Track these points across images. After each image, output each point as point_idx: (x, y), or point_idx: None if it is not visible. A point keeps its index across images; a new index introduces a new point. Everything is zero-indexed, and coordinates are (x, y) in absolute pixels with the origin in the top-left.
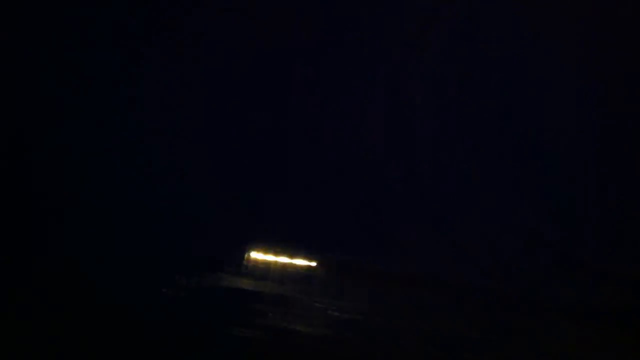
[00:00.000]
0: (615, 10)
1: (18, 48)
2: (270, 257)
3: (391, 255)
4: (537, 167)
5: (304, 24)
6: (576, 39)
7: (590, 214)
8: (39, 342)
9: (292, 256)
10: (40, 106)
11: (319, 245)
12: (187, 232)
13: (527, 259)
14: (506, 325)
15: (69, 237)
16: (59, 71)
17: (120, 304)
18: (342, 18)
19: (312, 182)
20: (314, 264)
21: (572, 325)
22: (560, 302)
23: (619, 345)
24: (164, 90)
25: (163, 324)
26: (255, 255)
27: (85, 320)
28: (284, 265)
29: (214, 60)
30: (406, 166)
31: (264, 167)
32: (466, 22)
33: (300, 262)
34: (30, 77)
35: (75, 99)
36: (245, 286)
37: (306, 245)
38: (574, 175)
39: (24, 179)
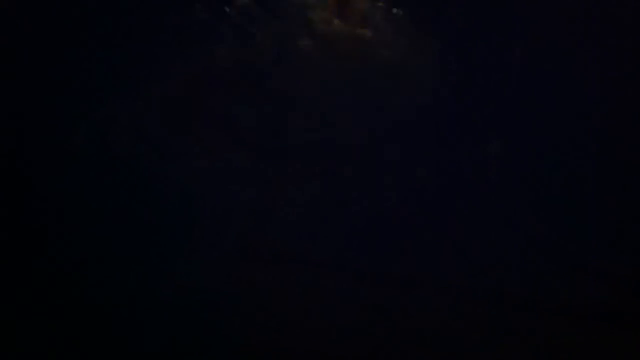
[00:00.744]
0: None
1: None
2: None
3: None
4: (537, 166)
5: None
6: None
7: (590, 213)
8: (38, 342)
9: None
10: (39, 106)
11: None
12: None
13: (527, 258)
14: (506, 325)
15: (68, 237)
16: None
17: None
18: None
19: None
20: None
21: (572, 325)
22: (560, 302)
23: (618, 346)
24: None
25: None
26: None
27: (83, 321)
28: None
29: None
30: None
31: None
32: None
33: None
34: (30, 77)
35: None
36: None
37: None
38: (574, 174)
39: (24, 179)
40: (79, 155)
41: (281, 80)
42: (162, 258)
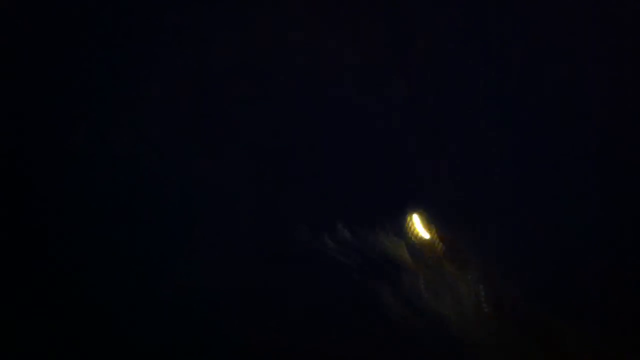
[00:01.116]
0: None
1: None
2: None
3: None
4: (538, 168)
5: None
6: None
7: (590, 213)
8: (38, 342)
9: None
10: (40, 106)
11: None
12: None
13: (529, 258)
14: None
15: (68, 237)
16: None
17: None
18: None
19: None
20: None
21: (572, 325)
22: (561, 302)
23: (618, 346)
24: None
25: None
26: None
27: (83, 321)
28: None
29: None
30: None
31: None
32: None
33: None
34: (30, 77)
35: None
36: None
37: None
38: (575, 175)
39: (24, 179)
40: (79, 155)
41: None
42: (162, 258)
